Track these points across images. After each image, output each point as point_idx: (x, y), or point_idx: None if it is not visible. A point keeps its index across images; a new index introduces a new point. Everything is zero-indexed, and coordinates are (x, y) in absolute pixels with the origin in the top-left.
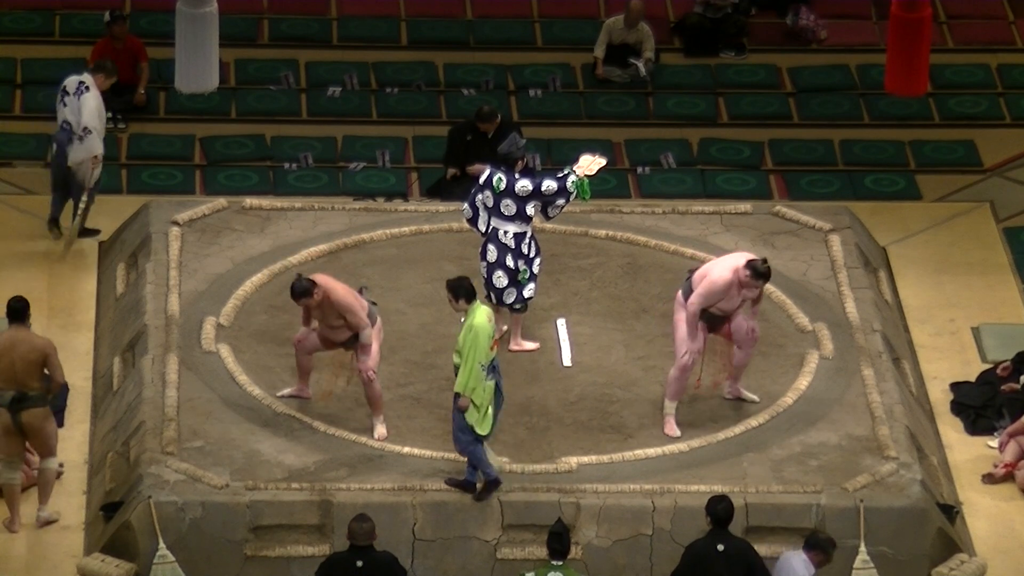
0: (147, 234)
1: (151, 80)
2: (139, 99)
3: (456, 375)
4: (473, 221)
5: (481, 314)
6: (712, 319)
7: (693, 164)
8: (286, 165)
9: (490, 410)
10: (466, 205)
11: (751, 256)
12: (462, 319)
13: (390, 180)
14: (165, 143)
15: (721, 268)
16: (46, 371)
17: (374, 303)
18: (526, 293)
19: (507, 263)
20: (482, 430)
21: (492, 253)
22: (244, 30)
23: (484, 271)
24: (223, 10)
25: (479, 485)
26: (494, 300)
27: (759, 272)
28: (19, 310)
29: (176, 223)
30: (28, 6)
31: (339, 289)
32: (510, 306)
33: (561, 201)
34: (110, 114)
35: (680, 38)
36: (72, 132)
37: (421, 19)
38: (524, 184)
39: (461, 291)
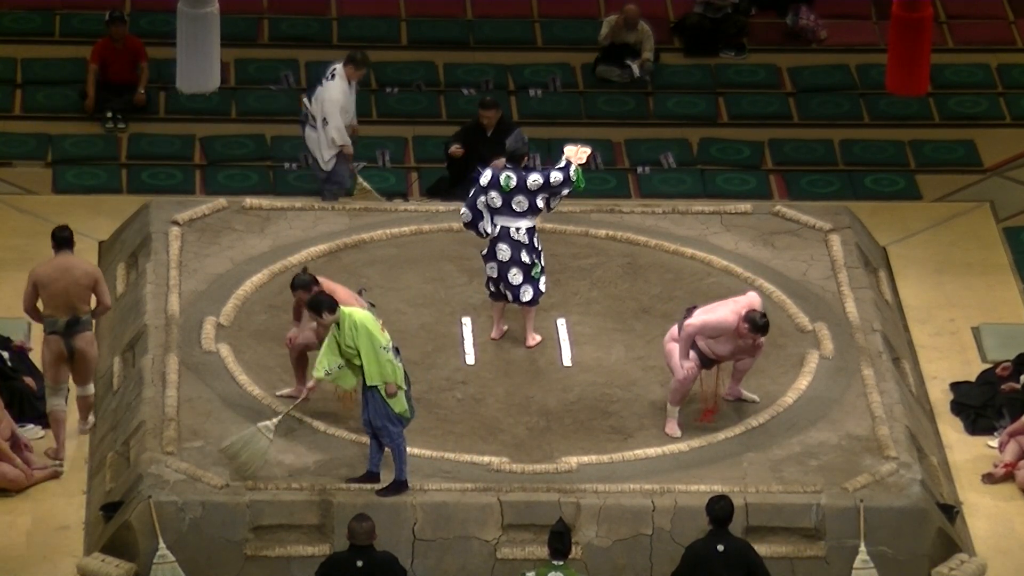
0: (147, 234)
1: (151, 80)
2: (139, 99)
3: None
4: (473, 224)
5: (354, 311)
6: (705, 361)
7: (693, 164)
8: (286, 165)
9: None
10: (464, 209)
11: (755, 304)
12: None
13: (390, 180)
14: (165, 143)
15: (726, 311)
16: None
17: (373, 304)
18: (541, 287)
19: (522, 259)
20: (408, 414)
21: (504, 252)
22: (244, 30)
23: (494, 271)
24: (223, 10)
25: (373, 482)
26: (510, 298)
27: (756, 325)
28: (66, 238)
29: (176, 223)
30: (28, 6)
31: (338, 291)
32: (527, 303)
33: (565, 191)
34: (110, 114)
35: (680, 38)
36: (308, 113)
37: (421, 19)
38: (535, 178)
39: (323, 305)
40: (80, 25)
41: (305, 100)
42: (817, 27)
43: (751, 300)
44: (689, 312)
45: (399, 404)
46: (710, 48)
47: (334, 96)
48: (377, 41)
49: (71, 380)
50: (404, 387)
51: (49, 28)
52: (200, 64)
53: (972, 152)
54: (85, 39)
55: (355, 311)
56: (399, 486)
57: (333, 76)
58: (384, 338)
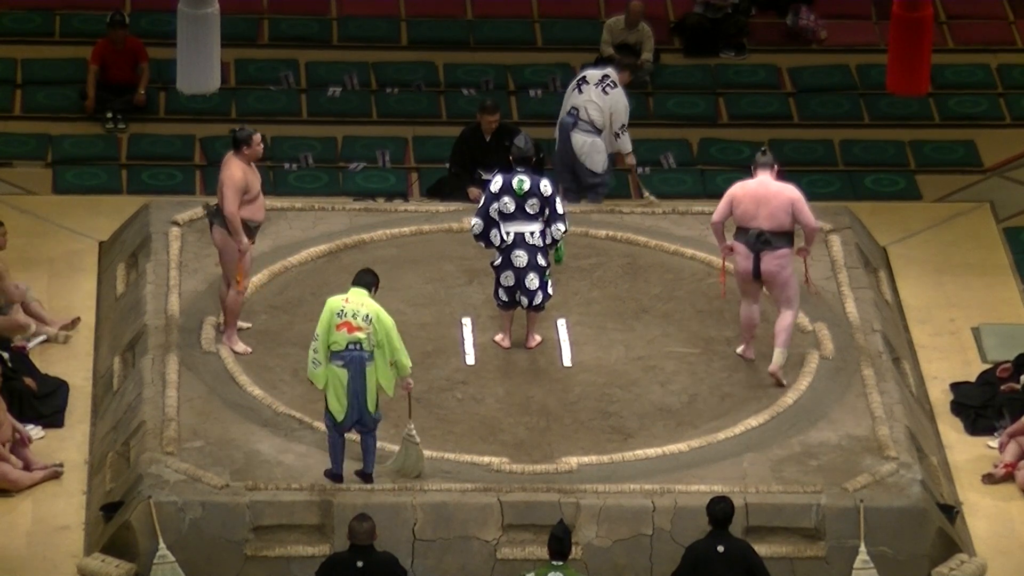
0: (147, 234)
1: (151, 80)
2: (139, 99)
3: None
4: (484, 234)
5: (350, 296)
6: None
7: (693, 164)
8: (286, 165)
9: (344, 399)
10: (476, 219)
11: (766, 168)
12: None
13: (390, 180)
14: (165, 143)
15: (789, 191)
16: None
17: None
18: (550, 290)
19: (538, 263)
20: (338, 416)
21: (521, 258)
22: (244, 30)
23: (510, 279)
24: (223, 10)
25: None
26: (525, 304)
27: (768, 161)
28: None
29: (176, 223)
30: (28, 6)
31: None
32: (537, 307)
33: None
34: (110, 114)
35: (680, 38)
36: (578, 118)
37: (421, 19)
38: (546, 183)
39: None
40: (80, 25)
41: (584, 107)
42: (817, 27)
43: (765, 175)
44: (760, 240)
45: (330, 401)
46: (710, 48)
47: (625, 103)
48: (377, 41)
49: None
50: (335, 392)
51: (49, 28)
52: (200, 64)
53: (972, 152)
54: (85, 39)
55: (350, 296)
56: (364, 477)
57: (615, 84)
58: (332, 336)
